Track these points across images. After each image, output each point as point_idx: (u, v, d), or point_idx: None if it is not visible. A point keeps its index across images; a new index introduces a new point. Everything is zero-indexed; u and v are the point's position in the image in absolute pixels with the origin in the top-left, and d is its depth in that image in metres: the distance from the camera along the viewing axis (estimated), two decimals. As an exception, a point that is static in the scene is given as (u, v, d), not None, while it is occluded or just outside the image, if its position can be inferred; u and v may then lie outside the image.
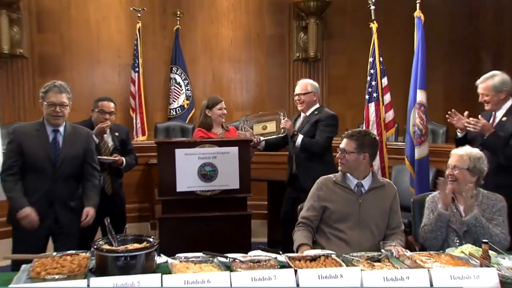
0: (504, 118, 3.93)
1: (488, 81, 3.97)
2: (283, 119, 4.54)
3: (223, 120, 4.68)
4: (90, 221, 3.58)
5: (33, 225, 3.43)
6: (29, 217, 3.42)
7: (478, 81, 4.04)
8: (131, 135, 5.57)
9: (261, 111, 5.13)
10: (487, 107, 4.02)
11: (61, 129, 3.62)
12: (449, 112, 4.06)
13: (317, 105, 4.67)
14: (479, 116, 3.97)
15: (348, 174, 3.23)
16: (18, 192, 3.49)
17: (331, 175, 3.31)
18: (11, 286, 2.23)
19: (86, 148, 3.74)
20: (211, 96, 4.84)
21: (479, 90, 4.03)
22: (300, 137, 4.46)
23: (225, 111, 4.68)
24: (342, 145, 3.23)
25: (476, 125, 3.82)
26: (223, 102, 4.66)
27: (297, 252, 3.03)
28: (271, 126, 4.62)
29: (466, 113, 3.97)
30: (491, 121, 4.00)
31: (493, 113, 4.02)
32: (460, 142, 3.81)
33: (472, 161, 3.14)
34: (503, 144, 3.76)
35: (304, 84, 4.68)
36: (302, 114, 4.70)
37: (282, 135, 4.58)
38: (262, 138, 4.59)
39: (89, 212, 3.59)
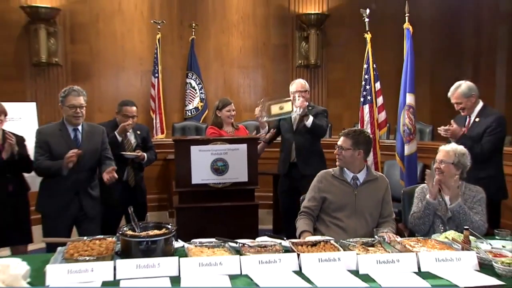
0: (477, 119, 3.99)
1: (457, 90, 4.02)
2: (298, 99, 4.48)
3: (232, 120, 4.69)
4: (114, 175, 3.61)
5: (77, 154, 3.49)
6: (69, 155, 3.47)
7: (449, 94, 4.08)
8: (151, 133, 5.60)
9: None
10: (463, 113, 4.05)
11: (80, 127, 3.69)
12: (442, 128, 4.00)
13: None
14: (452, 121, 4.02)
15: (345, 169, 3.23)
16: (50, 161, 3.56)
17: (330, 170, 3.31)
18: (49, 266, 2.26)
19: (102, 142, 3.81)
20: (222, 98, 4.84)
21: (453, 101, 4.06)
22: (311, 118, 4.45)
23: (234, 113, 4.68)
24: (339, 142, 3.23)
25: (447, 132, 3.91)
26: (232, 104, 4.66)
27: (299, 238, 3.04)
28: (287, 106, 4.53)
29: (452, 121, 4.02)
30: (466, 123, 4.04)
31: (467, 116, 4.05)
32: None
33: (457, 157, 3.14)
34: (471, 144, 3.75)
35: (303, 84, 4.70)
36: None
37: (298, 114, 4.50)
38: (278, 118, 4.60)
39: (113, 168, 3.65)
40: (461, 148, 3.23)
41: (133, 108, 4.45)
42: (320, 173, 3.32)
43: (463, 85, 4.01)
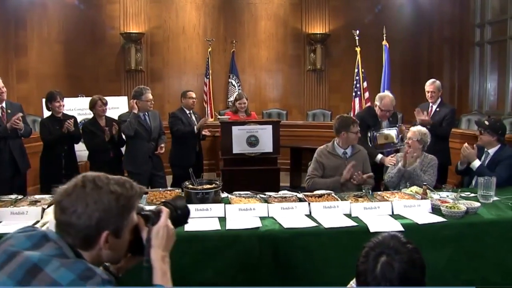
0: (437, 109, 3.93)
1: (434, 83, 3.95)
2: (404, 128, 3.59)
3: (244, 108, 4.58)
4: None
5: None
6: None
7: (427, 83, 3.96)
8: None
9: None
10: (430, 99, 3.94)
11: (147, 113, 3.77)
12: (416, 109, 3.89)
13: None
14: (417, 108, 3.89)
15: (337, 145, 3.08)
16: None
17: (326, 146, 3.13)
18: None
19: (160, 122, 3.91)
20: (238, 93, 4.82)
21: (428, 89, 3.95)
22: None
23: (244, 102, 4.55)
24: None
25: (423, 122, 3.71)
26: (244, 98, 4.57)
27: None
28: (390, 137, 3.57)
29: (418, 109, 3.90)
30: (429, 110, 3.96)
31: (430, 105, 3.97)
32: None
33: (420, 135, 3.08)
34: (436, 128, 3.69)
35: (393, 103, 3.65)
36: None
37: (399, 144, 3.55)
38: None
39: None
40: (424, 129, 3.16)
41: (193, 93, 4.52)
42: (318, 150, 3.09)
43: (437, 82, 3.97)
